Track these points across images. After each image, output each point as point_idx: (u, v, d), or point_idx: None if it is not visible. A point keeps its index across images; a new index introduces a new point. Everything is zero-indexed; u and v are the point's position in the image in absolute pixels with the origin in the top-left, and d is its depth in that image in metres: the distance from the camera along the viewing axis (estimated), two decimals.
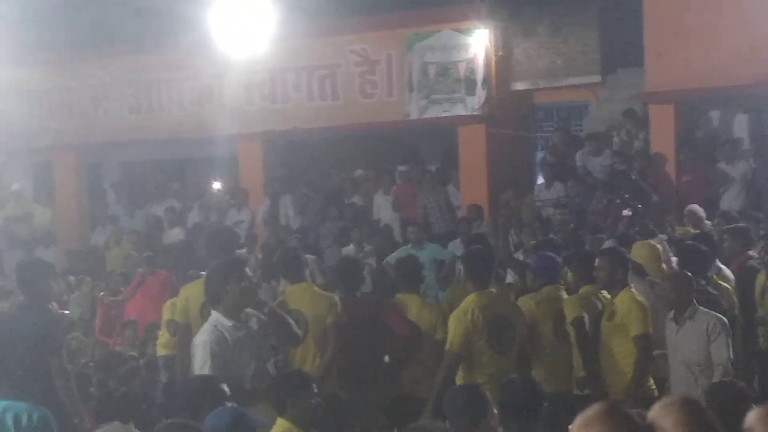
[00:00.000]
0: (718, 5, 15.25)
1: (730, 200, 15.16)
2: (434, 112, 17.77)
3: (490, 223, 15.26)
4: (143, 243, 17.12)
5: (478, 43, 17.44)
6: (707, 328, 8.10)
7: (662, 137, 15.94)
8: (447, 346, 7.93)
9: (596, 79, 18.15)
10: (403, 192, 17.52)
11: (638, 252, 9.61)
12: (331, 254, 15.97)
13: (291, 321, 7.85)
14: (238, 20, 16.03)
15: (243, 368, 7.17)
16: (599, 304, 8.94)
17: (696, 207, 13.50)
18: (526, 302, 9.01)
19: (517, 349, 8.22)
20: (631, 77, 17.26)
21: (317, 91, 18.73)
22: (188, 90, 19.83)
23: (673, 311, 8.38)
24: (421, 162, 19.00)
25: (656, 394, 8.24)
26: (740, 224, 11.71)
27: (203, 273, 8.72)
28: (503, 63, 17.99)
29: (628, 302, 8.45)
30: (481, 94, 17.41)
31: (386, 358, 8.95)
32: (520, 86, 18.51)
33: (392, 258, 13.18)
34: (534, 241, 12.36)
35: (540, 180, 17.68)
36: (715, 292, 9.28)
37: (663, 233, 11.89)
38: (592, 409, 3.81)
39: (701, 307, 8.29)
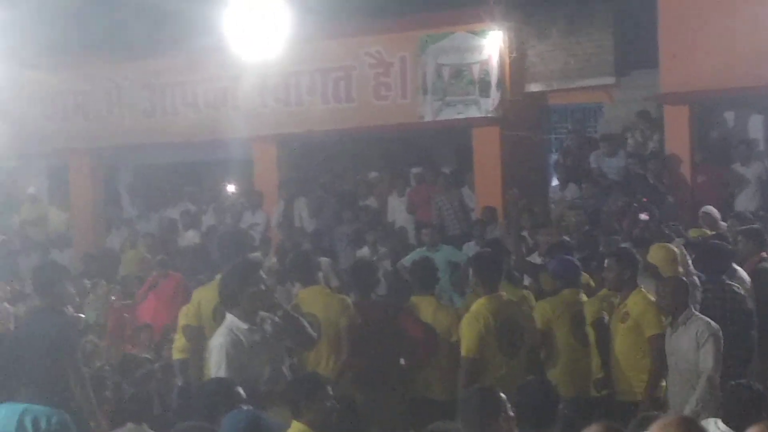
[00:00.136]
0: (733, 6, 15.21)
1: (746, 201, 15.12)
2: (448, 114, 17.76)
3: (504, 225, 15.24)
4: (158, 246, 17.14)
5: (492, 44, 17.43)
6: (696, 334, 8.02)
7: (677, 138, 15.91)
8: (463, 352, 7.91)
9: (610, 80, 18.10)
10: (417, 194, 17.52)
11: (655, 254, 9.57)
12: (345, 257, 15.98)
13: (305, 324, 7.85)
14: (252, 23, 16.05)
15: (258, 371, 7.18)
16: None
17: (711, 208, 13.46)
18: (542, 306, 9.01)
19: (527, 353, 8.21)
20: (646, 78, 17.22)
21: (331, 94, 18.73)
22: (203, 93, 19.85)
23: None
24: (435, 164, 19.00)
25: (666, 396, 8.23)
26: (754, 225, 11.67)
27: (216, 276, 8.76)
28: (517, 65, 17.97)
29: (641, 303, 8.43)
30: (495, 95, 17.40)
31: (401, 361, 8.95)
32: (534, 88, 18.48)
33: (407, 260, 13.19)
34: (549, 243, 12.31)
35: (554, 181, 17.66)
36: (742, 292, 9.26)
37: (679, 236, 11.86)
38: (669, 419, 3.85)
39: (697, 313, 8.22)
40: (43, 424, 4.46)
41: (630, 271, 8.65)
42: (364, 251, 15.37)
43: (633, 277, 8.64)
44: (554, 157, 18.57)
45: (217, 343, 7.18)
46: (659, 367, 8.23)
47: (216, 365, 7.10)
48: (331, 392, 6.45)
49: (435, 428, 6.71)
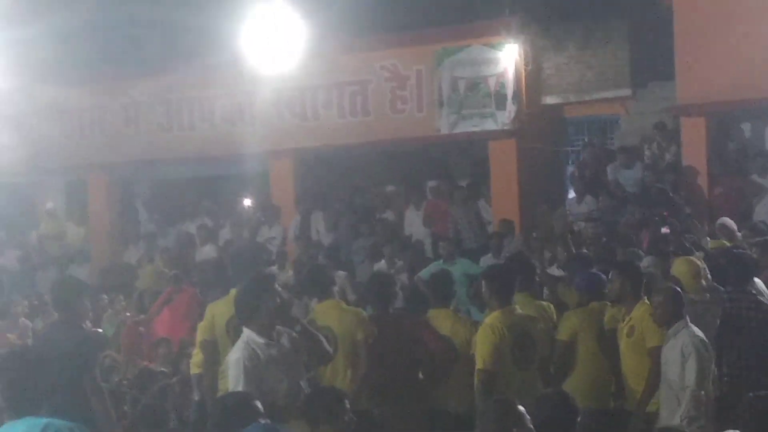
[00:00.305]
0: (749, 17, 15.18)
1: (764, 213, 15.05)
2: (464, 127, 17.78)
3: (521, 237, 15.21)
4: (175, 261, 17.17)
5: (508, 57, 17.44)
6: (682, 348, 7.89)
7: (693, 150, 15.87)
8: (479, 365, 7.89)
9: (627, 92, 18.12)
10: (433, 207, 17.51)
11: (679, 268, 9.51)
12: (362, 270, 15.98)
13: (322, 339, 7.85)
14: (268, 37, 16.11)
15: (276, 385, 7.17)
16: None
17: (727, 220, 13.40)
18: (570, 317, 8.99)
19: (539, 365, 8.20)
20: (662, 90, 17.22)
21: (348, 108, 18.77)
22: (219, 108, 19.92)
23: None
24: (451, 177, 19.00)
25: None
26: None
27: (230, 291, 8.77)
28: (533, 77, 17.98)
29: (646, 316, 8.37)
30: (511, 108, 17.41)
31: (419, 374, 8.94)
32: (550, 100, 18.50)
33: (424, 273, 13.18)
34: (567, 255, 12.28)
35: (571, 194, 17.63)
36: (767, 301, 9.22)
37: (698, 249, 11.82)
38: None
39: (690, 326, 8.07)
40: None
41: (632, 283, 8.61)
42: (381, 264, 15.36)
43: (636, 289, 8.58)
44: (571, 169, 18.55)
45: (235, 358, 7.17)
46: (655, 379, 8.16)
47: (234, 380, 7.09)
48: (348, 406, 6.44)
49: None
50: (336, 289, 9.61)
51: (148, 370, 11.37)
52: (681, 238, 12.47)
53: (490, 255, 14.95)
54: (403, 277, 14.46)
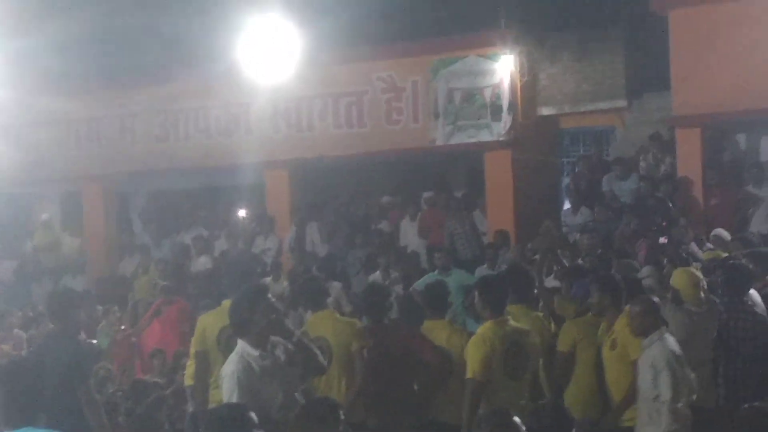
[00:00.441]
0: (744, 28, 15.21)
1: (759, 223, 15.07)
2: (460, 138, 17.79)
3: (516, 248, 15.21)
4: (171, 272, 17.16)
5: (504, 68, 17.46)
6: (653, 361, 7.83)
7: (689, 161, 15.88)
8: (469, 374, 7.87)
9: (622, 103, 18.14)
10: (429, 218, 17.51)
11: (678, 279, 9.48)
12: (358, 281, 15.96)
13: (317, 352, 7.83)
14: (264, 49, 16.12)
15: (271, 397, 7.15)
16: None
17: (722, 231, 13.41)
18: (569, 327, 8.96)
19: (531, 376, 8.19)
20: (658, 101, 17.24)
21: (344, 118, 18.78)
22: (215, 118, 19.93)
23: None
24: (447, 188, 18.99)
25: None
26: (759, 248, 11.62)
27: (221, 302, 8.77)
28: (529, 88, 18.00)
29: (627, 328, 8.32)
30: (506, 119, 17.42)
31: (414, 385, 8.92)
32: (546, 111, 18.51)
33: (419, 284, 13.16)
34: (561, 266, 12.28)
35: (566, 205, 17.63)
36: (763, 313, 9.20)
37: (695, 260, 11.82)
38: None
39: (665, 336, 7.98)
40: None
41: (612, 296, 8.59)
42: (377, 275, 15.35)
43: (616, 302, 8.55)
44: (566, 180, 18.55)
45: (229, 370, 7.15)
46: (634, 391, 8.12)
47: (228, 392, 7.07)
48: (343, 417, 6.42)
49: None
50: (330, 300, 9.61)
51: (143, 381, 11.34)
52: (678, 249, 12.48)
53: (485, 266, 14.95)
54: (399, 288, 14.45)
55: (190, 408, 9.73)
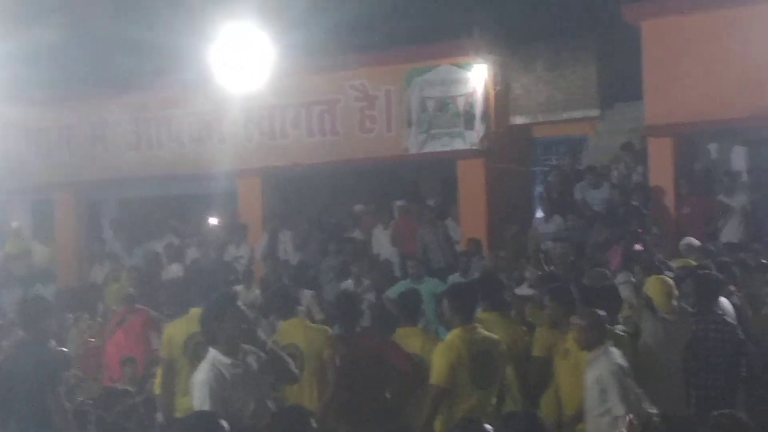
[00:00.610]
0: (716, 39, 15.29)
1: (730, 233, 15.15)
2: (433, 147, 17.79)
3: (490, 257, 15.22)
4: (142, 280, 17.06)
5: (477, 77, 17.49)
6: (598, 378, 7.76)
7: (661, 170, 15.94)
8: (432, 380, 7.86)
9: (595, 113, 18.20)
10: (401, 226, 17.49)
11: (652, 287, 9.50)
12: (331, 289, 15.92)
13: (289, 360, 7.82)
14: (236, 57, 16.08)
15: (242, 405, 7.13)
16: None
17: (691, 239, 13.48)
18: (543, 333, 8.94)
19: (498, 385, 8.16)
20: (630, 111, 17.31)
21: (316, 127, 18.76)
22: (187, 126, 19.87)
23: None
24: (420, 196, 18.99)
25: None
26: (722, 258, 11.70)
27: (188, 310, 8.73)
28: (502, 97, 18.03)
29: None
30: (480, 128, 17.45)
31: (387, 394, 8.90)
32: (519, 120, 18.55)
33: (392, 292, 13.15)
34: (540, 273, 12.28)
35: (539, 213, 17.66)
36: (733, 322, 9.24)
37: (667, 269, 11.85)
38: None
39: (610, 351, 7.89)
40: None
41: (565, 307, 8.58)
42: (349, 283, 15.32)
43: (569, 314, 8.53)
44: (539, 189, 18.58)
45: (200, 379, 7.13)
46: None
47: (200, 401, 7.05)
48: (315, 425, 6.39)
49: None
50: (302, 308, 9.59)
51: (113, 389, 11.26)
52: (652, 257, 12.52)
53: (457, 274, 14.95)
54: (371, 296, 14.43)
55: (160, 417, 9.68)
